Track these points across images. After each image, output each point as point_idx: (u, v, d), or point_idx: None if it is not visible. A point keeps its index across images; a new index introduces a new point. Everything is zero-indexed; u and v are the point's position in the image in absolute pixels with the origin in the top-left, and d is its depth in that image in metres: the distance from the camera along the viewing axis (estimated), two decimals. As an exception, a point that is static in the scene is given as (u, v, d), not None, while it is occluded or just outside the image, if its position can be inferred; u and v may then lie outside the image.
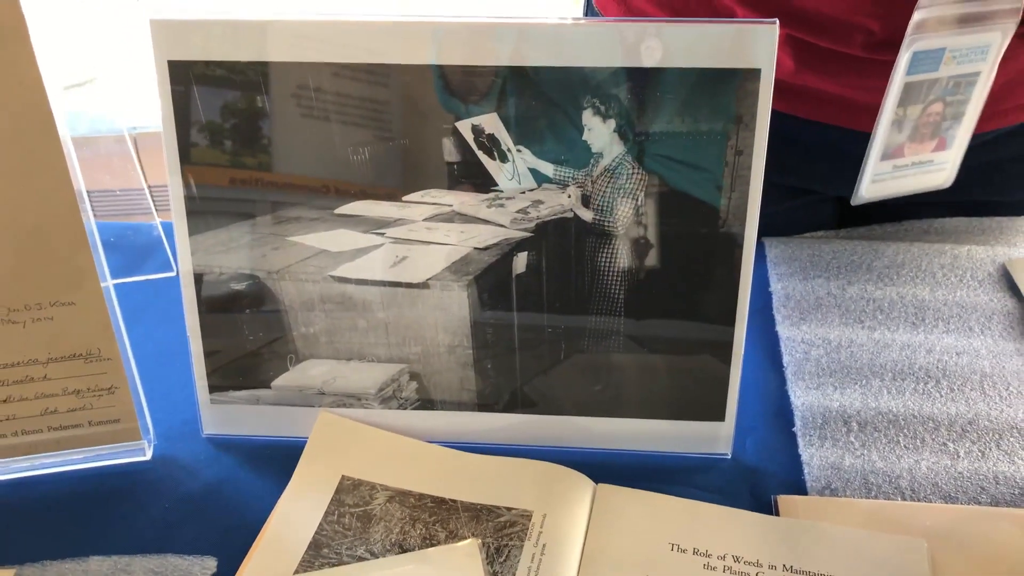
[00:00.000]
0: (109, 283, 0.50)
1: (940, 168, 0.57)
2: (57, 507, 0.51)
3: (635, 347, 0.52)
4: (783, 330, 0.62)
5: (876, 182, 0.56)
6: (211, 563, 0.48)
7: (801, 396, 0.58)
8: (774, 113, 0.66)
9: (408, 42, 0.47)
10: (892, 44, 0.52)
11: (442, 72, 0.47)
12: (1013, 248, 0.69)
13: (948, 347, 0.61)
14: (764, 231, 0.71)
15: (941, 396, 0.58)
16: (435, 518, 0.50)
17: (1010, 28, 0.52)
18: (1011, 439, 0.55)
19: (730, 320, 0.51)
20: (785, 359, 0.61)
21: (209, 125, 0.49)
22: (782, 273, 0.67)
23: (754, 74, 0.46)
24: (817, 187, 0.72)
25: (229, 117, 0.49)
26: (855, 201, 0.57)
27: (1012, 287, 0.66)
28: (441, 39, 0.46)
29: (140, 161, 0.75)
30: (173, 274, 0.67)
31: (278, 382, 0.54)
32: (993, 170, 0.70)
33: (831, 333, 0.62)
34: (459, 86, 0.47)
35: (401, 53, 0.47)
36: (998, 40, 0.53)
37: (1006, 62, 0.55)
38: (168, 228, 0.68)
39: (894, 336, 0.62)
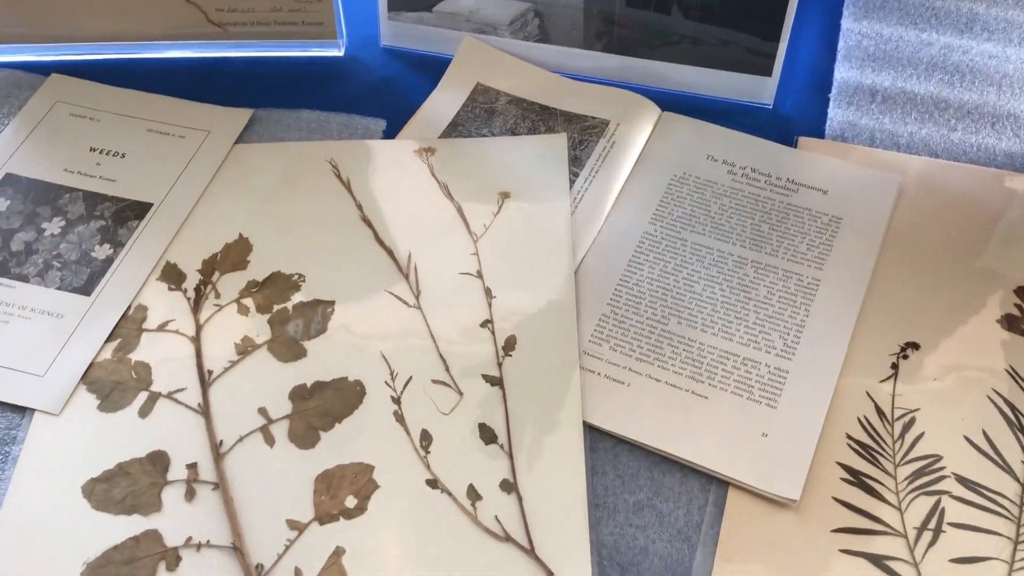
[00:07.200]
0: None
1: None
2: (279, 77, 0.73)
3: (711, 11, 0.67)
4: (845, 23, 0.75)
5: None
6: (383, 123, 0.69)
7: (843, 73, 0.72)
8: None
9: None
10: None
11: None
12: (1078, -22, 0.77)
13: (983, 51, 0.73)
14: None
15: (961, 87, 0.71)
16: (540, 118, 0.69)
17: None
18: (1004, 123, 0.68)
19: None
20: (840, 45, 0.74)
21: None
22: (861, -21, 0.78)
23: None
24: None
25: None
26: None
27: (1063, 11, 0.75)
28: None
29: None
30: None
31: (437, 8, 0.72)
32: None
33: (885, 30, 0.74)
34: None
35: None
36: None
37: None
38: None
39: (939, 38, 0.74)
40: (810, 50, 0.74)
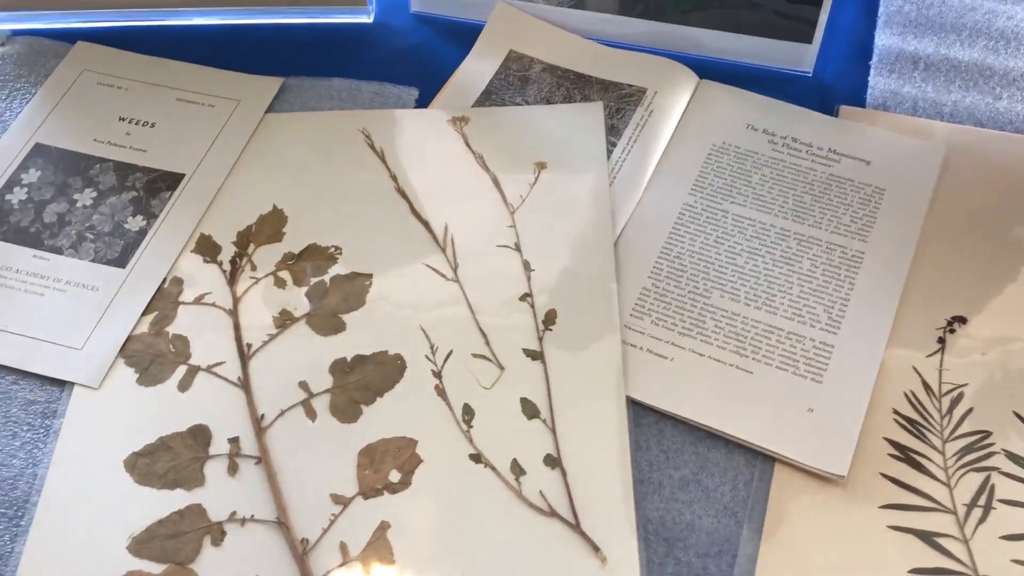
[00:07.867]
0: None
1: None
2: (309, 45, 0.72)
3: (750, -28, 0.66)
4: (886, -12, 0.73)
5: None
6: (415, 92, 0.68)
7: (884, 40, 0.70)
8: None
9: None
10: None
11: None
12: None
13: (1028, 17, 0.71)
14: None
15: (1007, 53, 0.69)
16: (575, 86, 0.68)
17: None
18: (1051, 90, 0.67)
19: (830, -43, 0.63)
20: (880, 11, 0.72)
21: None
22: (902, -58, 0.76)
23: None
24: None
25: None
26: None
27: (1111, -25, 0.73)
28: None
29: None
30: None
31: (470, -27, 0.71)
32: None
33: (928, -5, 0.73)
34: None
35: None
36: None
37: None
38: None
39: (983, 3, 0.72)
40: (851, 16, 0.72)
